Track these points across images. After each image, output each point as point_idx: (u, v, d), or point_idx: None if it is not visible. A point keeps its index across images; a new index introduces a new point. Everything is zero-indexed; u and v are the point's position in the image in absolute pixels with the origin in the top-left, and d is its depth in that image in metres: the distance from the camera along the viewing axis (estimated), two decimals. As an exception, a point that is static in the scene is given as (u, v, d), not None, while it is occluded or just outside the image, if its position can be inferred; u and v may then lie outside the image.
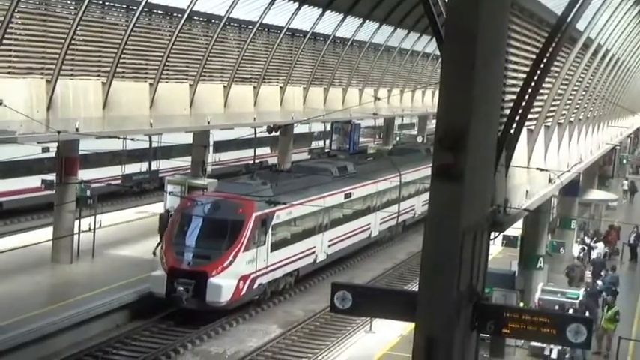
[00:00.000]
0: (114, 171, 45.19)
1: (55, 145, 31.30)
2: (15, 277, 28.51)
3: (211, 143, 45.16)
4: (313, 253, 33.45)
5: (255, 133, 53.63)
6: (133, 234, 36.24)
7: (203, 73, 31.78)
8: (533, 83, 13.66)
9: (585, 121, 30.53)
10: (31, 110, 23.86)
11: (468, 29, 10.19)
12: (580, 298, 26.45)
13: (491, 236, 12.94)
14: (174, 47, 29.32)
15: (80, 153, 31.68)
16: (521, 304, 24.71)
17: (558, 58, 16.74)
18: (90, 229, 30.99)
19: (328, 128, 69.77)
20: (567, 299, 25.99)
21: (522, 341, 24.42)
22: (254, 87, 36.02)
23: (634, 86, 47.66)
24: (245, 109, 35.62)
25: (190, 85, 31.57)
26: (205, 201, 29.32)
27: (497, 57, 11.56)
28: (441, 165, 10.35)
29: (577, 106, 25.87)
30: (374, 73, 47.90)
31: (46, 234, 31.86)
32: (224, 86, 33.82)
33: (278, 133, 44.24)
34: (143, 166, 48.36)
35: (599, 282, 30.81)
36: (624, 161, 71.69)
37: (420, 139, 65.67)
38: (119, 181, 44.51)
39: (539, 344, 23.85)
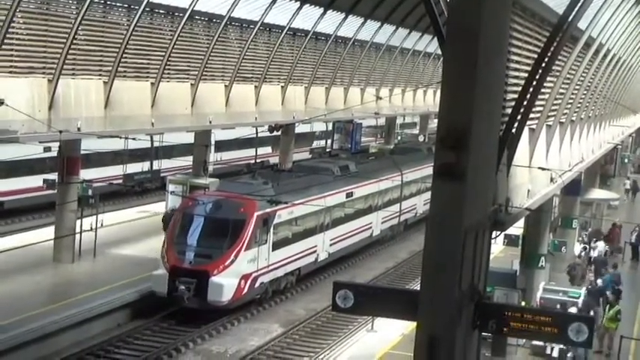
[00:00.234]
0: (115, 170, 45.20)
1: (57, 144, 31.31)
2: (16, 276, 28.53)
3: (213, 143, 45.16)
4: (315, 252, 33.46)
5: (257, 133, 53.63)
6: (135, 233, 36.27)
7: (204, 73, 31.78)
8: (534, 82, 13.66)
9: (587, 120, 30.53)
10: (33, 110, 23.87)
11: (470, 28, 10.20)
12: (582, 297, 26.44)
13: (493, 235, 12.94)
14: (175, 47, 29.32)
15: (82, 152, 31.67)
16: (523, 304, 24.72)
17: (560, 57, 16.74)
18: (91, 229, 31.03)
19: (330, 128, 69.79)
20: (569, 298, 25.97)
21: (524, 340, 24.41)
22: (255, 86, 36.02)
23: (635, 85, 47.63)
24: (246, 108, 35.62)
25: (192, 84, 31.58)
26: (207, 200, 29.34)
27: (499, 56, 11.57)
28: (442, 164, 10.36)
29: (578, 105, 25.86)
30: (375, 72, 47.89)
31: (47, 233, 31.87)
32: (225, 86, 33.82)
33: (279, 133, 44.27)
34: (145, 166, 48.37)
35: (599, 281, 30.82)
36: (626, 160, 71.72)
37: (421, 139, 65.67)
38: (121, 181, 44.53)
39: (540, 343, 23.86)
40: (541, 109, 18.53)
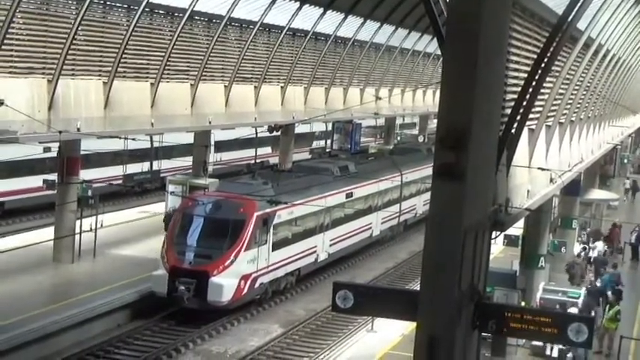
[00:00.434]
0: (115, 171, 45.20)
1: (57, 144, 31.32)
2: (16, 276, 28.53)
3: (212, 143, 45.16)
4: (314, 252, 33.46)
5: (257, 133, 53.64)
6: (135, 234, 36.27)
7: (204, 73, 31.79)
8: (534, 83, 13.67)
9: (586, 121, 30.54)
10: (33, 110, 23.87)
11: (470, 29, 10.20)
12: (582, 297, 26.45)
13: (493, 235, 12.94)
14: (175, 47, 29.33)
15: (81, 153, 31.68)
16: (523, 304, 24.73)
17: (559, 57, 16.75)
18: (91, 229, 31.03)
19: (329, 128, 69.79)
20: (569, 299, 25.98)
21: (524, 341, 24.42)
22: (255, 87, 36.03)
23: (635, 85, 47.65)
24: (246, 108, 35.63)
25: (191, 84, 31.58)
26: (207, 200, 29.35)
27: (498, 56, 11.57)
28: (442, 164, 10.36)
29: (578, 105, 25.87)
30: (375, 72, 47.90)
31: (47, 234, 31.88)
32: (225, 86, 33.83)
33: (279, 133, 44.27)
34: (144, 166, 48.37)
35: (599, 281, 30.83)
36: (625, 160, 71.75)
37: (421, 139, 65.68)
38: (120, 181, 44.53)
39: (540, 344, 23.86)
40: (540, 109, 18.54)
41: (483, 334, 12.20)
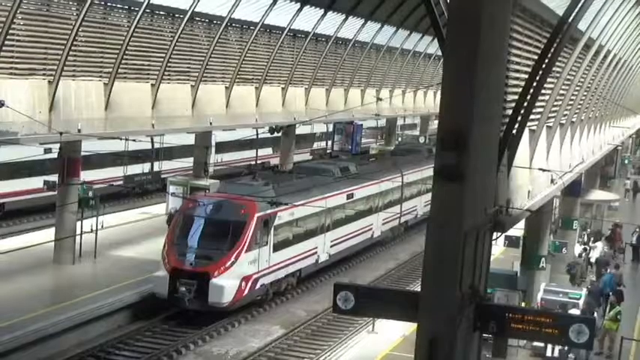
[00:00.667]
0: (116, 172, 45.18)
1: (57, 145, 31.32)
2: (17, 277, 28.52)
3: (213, 144, 45.17)
4: (315, 253, 33.44)
5: (257, 134, 53.62)
6: (135, 235, 36.24)
7: (205, 74, 31.79)
8: (535, 84, 13.67)
9: (587, 122, 30.53)
10: (33, 111, 23.88)
11: (470, 30, 10.21)
12: (582, 298, 26.43)
13: (494, 236, 12.94)
14: (176, 48, 29.34)
15: (82, 154, 31.67)
16: (523, 304, 24.71)
17: (560, 58, 16.75)
18: (92, 230, 31.02)
19: (330, 129, 69.75)
20: (570, 299, 25.97)
21: (525, 342, 24.41)
22: (256, 88, 36.03)
23: (636, 86, 47.65)
24: (247, 109, 35.64)
25: (192, 85, 31.59)
26: (207, 202, 29.33)
27: (499, 57, 11.57)
28: (443, 165, 10.37)
29: (579, 106, 25.86)
30: (376, 73, 47.91)
31: (48, 235, 31.88)
32: (226, 87, 33.83)
33: (280, 134, 44.27)
34: (145, 167, 48.36)
35: (600, 281, 30.85)
36: (626, 161, 71.77)
37: (422, 140, 65.64)
38: (121, 182, 44.52)
39: (541, 344, 23.85)
40: (541, 110, 18.54)
41: (484, 335, 12.21)
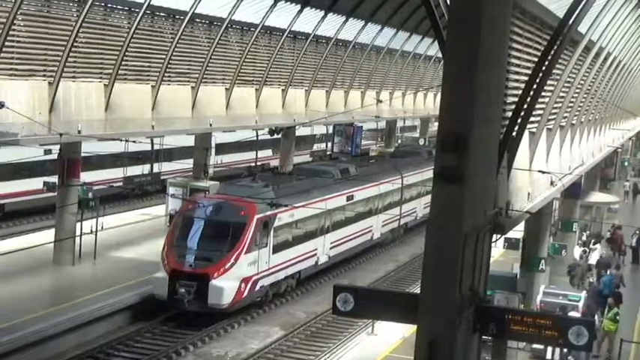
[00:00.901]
0: (116, 173, 45.18)
1: (57, 147, 31.33)
2: (17, 279, 28.52)
3: (213, 145, 45.17)
4: (315, 255, 33.45)
5: (257, 136, 53.66)
6: (135, 236, 36.25)
7: (205, 76, 31.79)
8: (535, 86, 13.67)
9: (587, 124, 30.53)
10: (33, 112, 23.87)
11: (470, 32, 10.21)
12: (582, 300, 26.43)
13: (493, 238, 12.95)
14: (176, 49, 29.32)
15: (82, 155, 31.67)
16: (522, 306, 24.69)
17: (560, 60, 16.75)
18: (92, 231, 31.02)
19: (330, 131, 69.75)
20: (569, 302, 25.96)
21: (524, 344, 24.39)
22: (256, 89, 36.03)
23: (636, 89, 47.65)
24: (247, 111, 35.63)
25: (192, 87, 31.58)
26: (207, 203, 29.33)
27: (499, 60, 11.58)
28: (443, 167, 10.38)
29: (579, 108, 25.86)
30: (376, 75, 47.90)
31: (47, 236, 31.87)
32: (226, 88, 33.82)
33: (280, 136, 44.28)
34: (145, 168, 48.36)
35: (600, 282, 30.85)
36: (626, 164, 71.81)
37: (421, 142, 65.64)
38: (121, 183, 44.52)
39: (541, 347, 23.84)
40: (541, 112, 18.54)
41: (484, 337, 12.20)
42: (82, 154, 31.54)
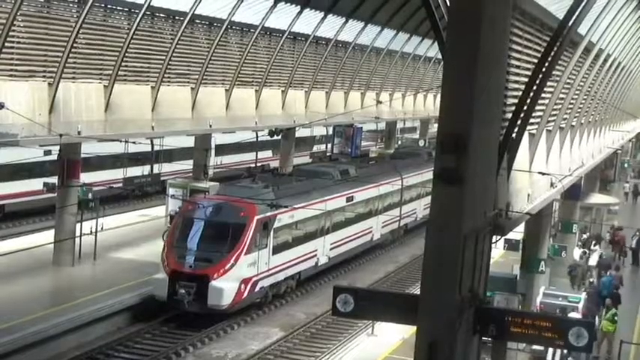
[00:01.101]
0: (116, 174, 45.17)
1: (57, 147, 31.32)
2: (17, 279, 28.51)
3: (213, 146, 45.16)
4: (315, 256, 33.45)
5: (257, 137, 53.65)
6: (135, 237, 36.24)
7: (205, 77, 31.81)
8: (534, 87, 13.68)
9: (587, 125, 30.54)
10: (33, 113, 23.89)
11: (470, 33, 10.22)
12: (582, 302, 26.43)
13: (493, 240, 12.95)
14: (176, 50, 29.35)
15: (82, 156, 31.67)
16: (521, 308, 24.69)
17: (560, 62, 16.75)
18: (91, 232, 31.02)
19: (330, 132, 69.75)
20: (569, 303, 25.96)
21: (524, 345, 24.38)
22: (256, 90, 36.05)
23: (635, 90, 47.65)
24: (247, 112, 35.65)
25: (192, 88, 31.60)
26: (207, 204, 29.31)
27: (499, 61, 11.58)
28: (442, 168, 10.38)
29: (579, 110, 25.87)
30: (376, 76, 47.92)
31: (47, 237, 31.87)
32: (226, 89, 33.84)
33: (280, 137, 44.25)
34: (145, 169, 48.35)
35: (599, 283, 30.87)
36: (626, 165, 71.84)
37: (421, 143, 65.65)
38: (121, 184, 44.52)
39: (541, 348, 23.83)
40: (541, 114, 18.54)
41: (483, 338, 12.20)
42: (82, 155, 31.55)
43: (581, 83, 23.77)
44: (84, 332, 25.73)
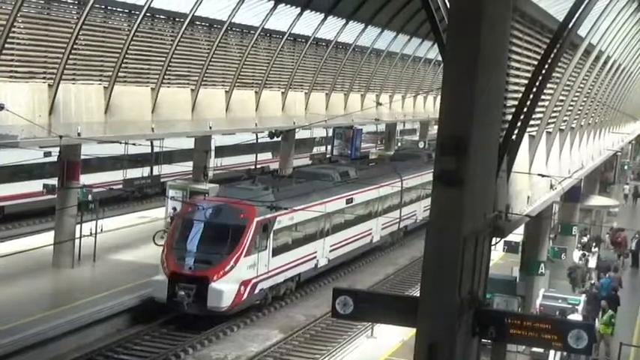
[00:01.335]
0: (115, 175, 45.19)
1: (57, 149, 31.32)
2: (16, 281, 28.51)
3: (213, 148, 45.17)
4: (314, 258, 33.43)
5: (257, 138, 53.66)
6: (135, 239, 36.21)
7: (205, 78, 31.81)
8: (534, 89, 13.68)
9: (587, 127, 30.54)
10: (33, 115, 23.88)
11: (470, 35, 10.21)
12: (581, 304, 26.44)
13: (493, 242, 12.94)
14: (176, 52, 29.35)
15: (82, 157, 31.67)
16: (520, 310, 24.68)
17: (560, 64, 16.75)
18: (91, 234, 31.00)
19: (330, 134, 69.75)
20: (569, 305, 25.96)
21: (523, 347, 24.37)
22: (256, 92, 36.05)
23: (635, 92, 47.66)
24: (247, 114, 35.65)
25: (192, 89, 31.60)
26: (207, 206, 29.31)
27: (499, 63, 11.58)
28: (442, 170, 10.37)
29: (578, 112, 25.87)
30: (376, 78, 47.93)
31: (47, 238, 31.86)
32: (226, 91, 33.84)
33: (280, 139, 44.25)
34: (145, 171, 48.36)
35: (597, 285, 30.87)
36: (625, 167, 71.86)
37: (421, 145, 65.67)
38: (121, 186, 44.51)
39: (540, 350, 23.82)
40: (541, 115, 18.54)
41: (483, 340, 12.19)
42: (82, 157, 31.55)
43: (581, 85, 23.78)
44: (83, 334, 25.72)
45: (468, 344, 11.30)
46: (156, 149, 47.85)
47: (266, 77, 36.02)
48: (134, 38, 27.07)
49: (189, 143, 42.45)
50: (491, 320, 11.69)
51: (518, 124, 13.69)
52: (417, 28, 45.49)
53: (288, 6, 34.01)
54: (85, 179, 34.24)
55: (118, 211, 43.84)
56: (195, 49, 31.20)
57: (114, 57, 26.86)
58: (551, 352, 24.08)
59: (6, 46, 22.48)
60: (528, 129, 15.67)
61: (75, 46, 24.97)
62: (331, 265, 35.38)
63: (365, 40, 43.11)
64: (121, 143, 33.57)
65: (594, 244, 39.09)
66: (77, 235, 30.43)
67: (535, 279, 28.01)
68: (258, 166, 56.75)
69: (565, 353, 23.26)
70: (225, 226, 28.38)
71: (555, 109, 20.39)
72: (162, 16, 28.88)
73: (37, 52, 24.40)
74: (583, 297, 27.63)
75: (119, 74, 27.10)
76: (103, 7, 26.19)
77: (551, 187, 21.25)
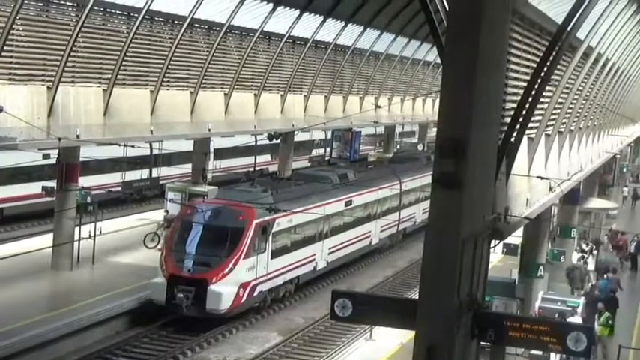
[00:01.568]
0: (114, 178, 45.18)
1: (56, 151, 31.33)
2: (15, 283, 28.50)
3: (212, 150, 45.16)
4: (313, 260, 33.43)
5: (256, 141, 53.64)
6: (134, 241, 36.18)
7: (204, 81, 31.81)
8: (533, 92, 13.69)
9: (586, 130, 30.55)
10: (32, 117, 23.88)
11: (469, 37, 10.22)
12: (580, 306, 26.42)
13: (492, 244, 12.95)
14: (175, 54, 29.35)
15: (81, 160, 31.67)
16: (519, 312, 24.67)
17: (559, 66, 16.77)
18: (90, 236, 30.98)
19: (329, 136, 69.81)
20: (568, 307, 25.95)
21: (522, 349, 24.36)
22: (255, 94, 36.05)
23: (634, 95, 47.69)
24: (246, 116, 35.65)
25: (191, 92, 31.60)
26: (206, 208, 29.31)
27: (498, 65, 11.59)
28: (441, 173, 10.38)
29: (577, 114, 25.88)
30: (375, 81, 47.94)
31: (46, 240, 31.84)
32: (225, 93, 33.84)
33: (279, 141, 44.28)
34: (144, 173, 48.35)
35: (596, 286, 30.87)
36: (624, 170, 71.91)
37: (420, 147, 65.73)
38: (119, 188, 44.50)
39: (539, 352, 23.80)
40: (540, 118, 18.55)
41: (482, 342, 12.19)
42: (81, 159, 31.55)
43: (580, 87, 23.79)
44: (82, 336, 25.70)
45: (466, 347, 11.30)
46: (155, 152, 47.84)
47: (265, 80, 36.03)
48: (133, 41, 27.07)
49: (188, 145, 42.45)
50: (490, 322, 11.70)
51: (517, 126, 13.69)
52: (416, 30, 45.50)
53: (288, 8, 34.02)
54: (84, 181, 34.22)
55: (117, 214, 43.81)
56: (194, 52, 31.20)
57: (113, 59, 26.86)
58: (552, 355, 24.10)
59: (5, 48, 22.46)
60: (527, 131, 15.68)
61: (74, 49, 24.96)
62: (330, 268, 35.38)
63: (364, 42, 43.12)
64: (119, 145, 33.61)
65: (594, 246, 39.10)
66: (76, 237, 30.41)
67: (534, 281, 28.01)
68: (257, 169, 56.74)
69: (564, 356, 23.27)
70: (224, 228, 28.38)
71: (554, 111, 20.40)
72: (161, 19, 28.87)
73: (36, 55, 24.40)
74: (582, 299, 27.61)
75: (118, 76, 27.10)
76: (102, 9, 26.18)
77: (550, 189, 21.26)
